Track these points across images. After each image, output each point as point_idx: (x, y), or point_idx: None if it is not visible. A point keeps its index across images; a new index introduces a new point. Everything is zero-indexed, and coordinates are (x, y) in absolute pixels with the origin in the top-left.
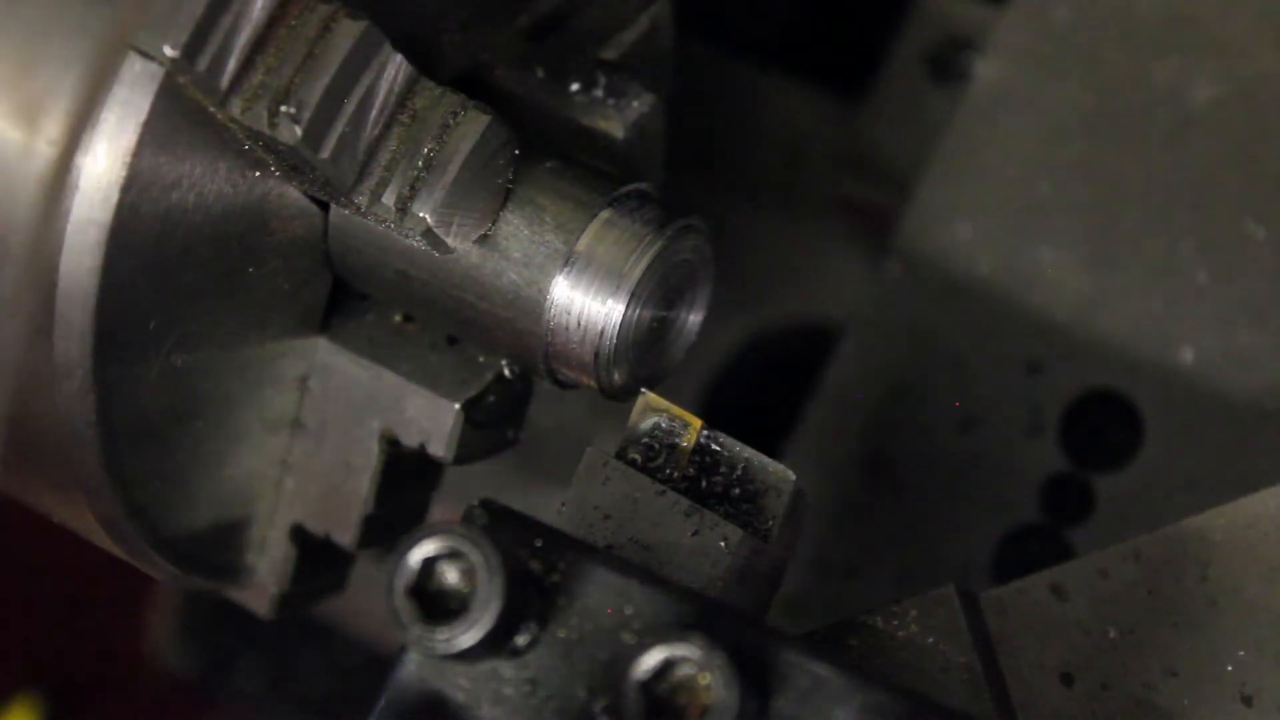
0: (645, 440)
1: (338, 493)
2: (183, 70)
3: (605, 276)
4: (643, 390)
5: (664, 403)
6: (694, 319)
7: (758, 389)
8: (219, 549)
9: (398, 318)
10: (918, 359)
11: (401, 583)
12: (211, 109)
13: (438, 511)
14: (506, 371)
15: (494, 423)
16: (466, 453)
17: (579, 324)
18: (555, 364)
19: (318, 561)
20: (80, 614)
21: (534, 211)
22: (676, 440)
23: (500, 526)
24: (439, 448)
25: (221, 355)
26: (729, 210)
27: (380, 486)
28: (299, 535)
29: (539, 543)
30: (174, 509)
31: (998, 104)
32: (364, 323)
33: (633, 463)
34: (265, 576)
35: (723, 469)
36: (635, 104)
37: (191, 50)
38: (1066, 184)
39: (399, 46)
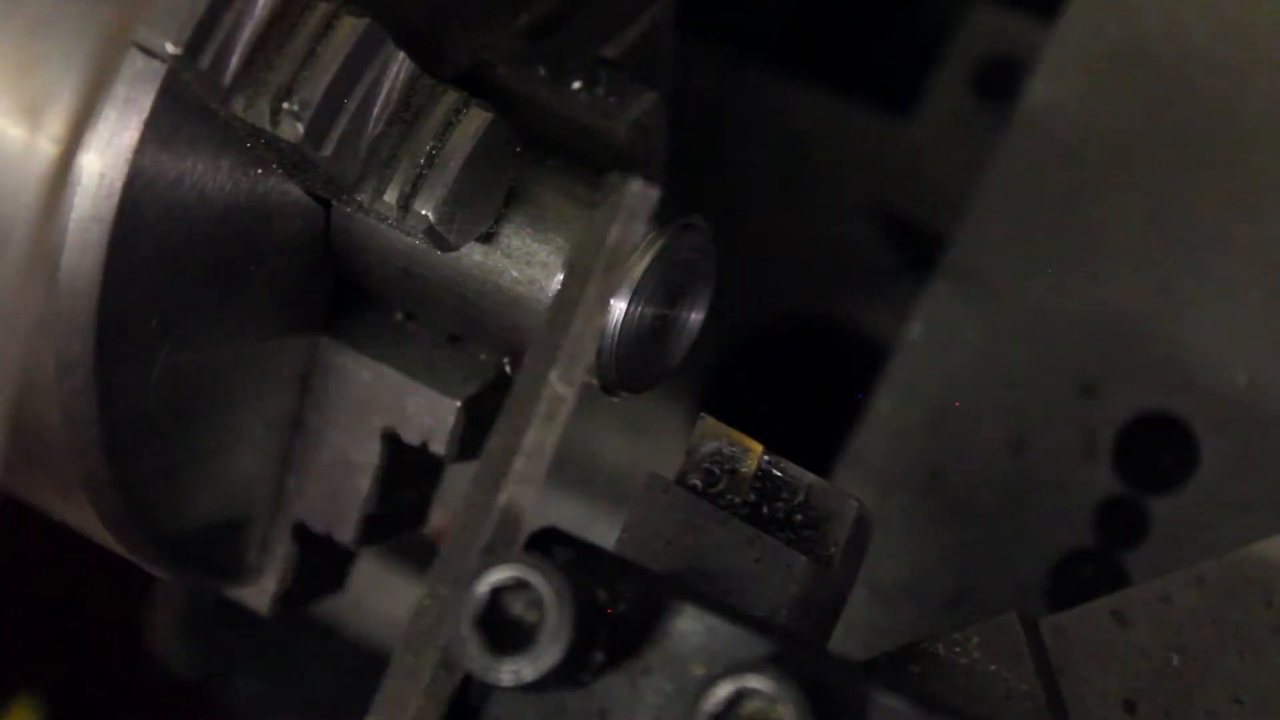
0: (706, 465)
1: (339, 491)
2: (185, 68)
3: None
4: (702, 415)
5: (724, 427)
6: (695, 317)
7: (756, 388)
8: (220, 547)
9: (399, 316)
10: (969, 380)
11: (469, 613)
12: (214, 106)
13: (437, 512)
14: (508, 369)
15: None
16: (468, 451)
17: None
18: None
19: (318, 560)
20: (80, 614)
21: (536, 210)
22: (737, 465)
23: (564, 554)
24: (440, 446)
25: (223, 353)
26: (739, 210)
27: (381, 485)
28: (300, 533)
29: (604, 571)
30: (175, 507)
31: (1048, 121)
32: (366, 321)
33: (693, 488)
34: (266, 575)
35: (784, 495)
36: (636, 103)
37: (194, 47)
38: (1119, 203)
39: (401, 44)
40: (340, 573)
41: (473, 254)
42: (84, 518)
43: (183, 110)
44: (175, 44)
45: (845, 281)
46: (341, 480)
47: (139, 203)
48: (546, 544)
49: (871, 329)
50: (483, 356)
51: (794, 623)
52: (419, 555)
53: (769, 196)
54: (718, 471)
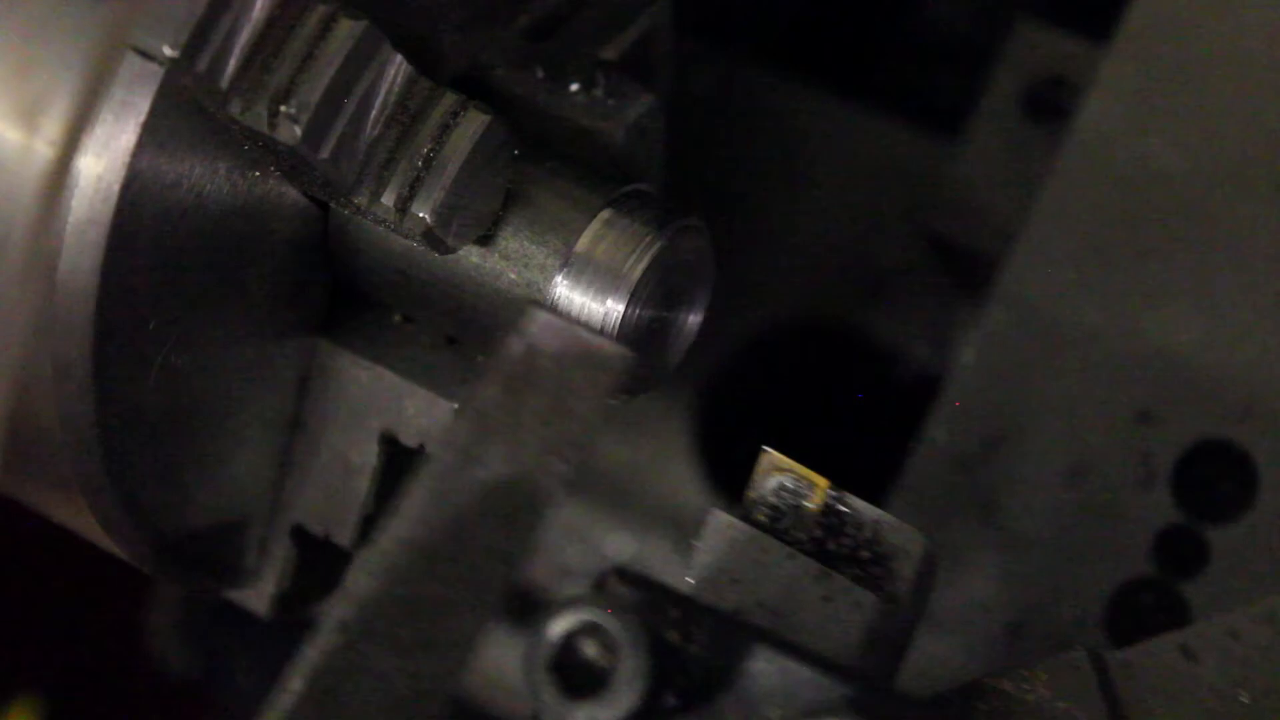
0: (771, 501)
1: (337, 492)
2: (182, 70)
3: (605, 276)
4: (765, 449)
5: (788, 462)
6: (694, 319)
7: (758, 391)
8: (219, 549)
9: (397, 318)
10: (1024, 407)
11: (542, 657)
12: (211, 109)
13: None
14: None
15: None
16: None
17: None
18: None
19: (317, 561)
20: (80, 614)
21: (534, 212)
22: (802, 501)
23: (635, 595)
24: None
25: (221, 355)
26: (741, 213)
27: (380, 486)
28: (299, 535)
29: (675, 612)
30: (174, 509)
31: (1101, 145)
32: (363, 323)
33: (758, 525)
34: (265, 576)
35: (849, 530)
36: (635, 104)
37: (191, 50)
38: (1175, 227)
39: (398, 46)
40: (339, 574)
41: (470, 256)
42: (82, 520)
43: (180, 113)
44: (172, 46)
45: (848, 285)
46: (340, 482)
47: (136, 205)
48: (616, 585)
49: (873, 333)
50: (480, 358)
51: (862, 660)
52: None
53: (771, 199)
54: (783, 507)
